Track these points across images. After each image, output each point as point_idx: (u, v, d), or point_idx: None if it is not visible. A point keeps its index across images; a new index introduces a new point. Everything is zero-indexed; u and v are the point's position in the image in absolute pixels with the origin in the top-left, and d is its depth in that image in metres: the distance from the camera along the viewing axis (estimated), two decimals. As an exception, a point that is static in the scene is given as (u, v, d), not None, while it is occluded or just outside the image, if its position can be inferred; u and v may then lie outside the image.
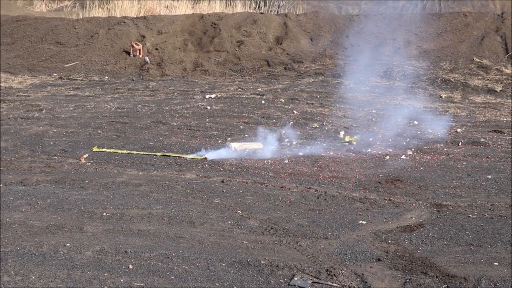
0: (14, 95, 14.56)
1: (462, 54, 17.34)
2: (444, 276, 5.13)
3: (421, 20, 19.66)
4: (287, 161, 9.02)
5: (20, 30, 20.51)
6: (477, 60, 16.85)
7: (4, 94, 14.74)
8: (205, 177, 8.13)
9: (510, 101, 13.84)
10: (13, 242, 5.71)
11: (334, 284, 5.01)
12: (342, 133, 10.55)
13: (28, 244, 5.65)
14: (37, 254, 5.46)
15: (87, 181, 7.84)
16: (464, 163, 8.92)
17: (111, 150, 9.46)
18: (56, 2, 29.97)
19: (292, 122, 11.41)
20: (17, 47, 19.65)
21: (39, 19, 21.51)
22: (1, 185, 7.69)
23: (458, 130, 10.90)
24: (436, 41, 18.47)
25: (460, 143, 10.03)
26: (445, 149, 9.71)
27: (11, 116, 12.04)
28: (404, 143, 10.05)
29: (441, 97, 14.10)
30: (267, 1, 24.58)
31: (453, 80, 15.42)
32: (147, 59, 18.19)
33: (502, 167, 8.68)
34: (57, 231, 6.09)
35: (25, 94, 14.79)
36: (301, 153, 9.43)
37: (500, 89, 14.85)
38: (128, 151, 9.41)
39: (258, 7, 24.51)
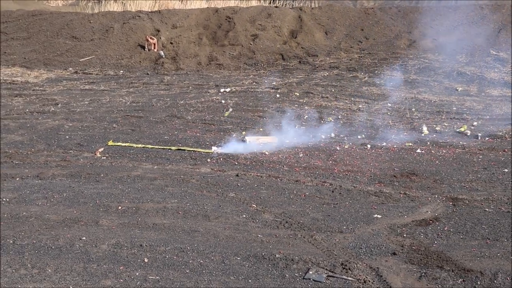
0: (30, 90, 14.64)
1: (479, 47, 17.19)
2: (460, 270, 5.11)
3: (437, 13, 19.51)
4: (301, 154, 9.00)
5: (36, 25, 20.61)
6: (494, 53, 16.70)
7: (20, 88, 14.83)
8: (219, 171, 8.13)
9: (527, 94, 13.71)
10: (29, 235, 5.76)
11: (349, 278, 5.00)
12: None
13: (45, 238, 5.69)
14: (53, 247, 5.50)
15: (102, 175, 7.87)
16: (480, 156, 8.86)
17: (126, 144, 9.49)
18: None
19: (306, 116, 11.38)
20: (33, 41, 19.75)
21: (54, 14, 21.60)
22: (17, 178, 7.75)
23: (474, 123, 10.81)
24: (452, 33, 18.32)
25: (477, 136, 9.96)
26: (461, 142, 9.64)
27: (27, 110, 12.11)
28: (420, 136, 9.99)
29: (457, 90, 13.99)
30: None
31: (469, 73, 15.28)
32: (162, 53, 18.21)
33: (518, 160, 8.61)
34: (73, 224, 6.13)
35: (41, 88, 14.87)
36: (315, 147, 9.40)
37: (517, 82, 14.71)
38: (143, 145, 9.44)
39: (273, 0, 24.44)
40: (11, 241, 5.61)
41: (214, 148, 9.17)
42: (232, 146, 9.31)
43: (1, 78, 16.31)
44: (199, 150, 9.15)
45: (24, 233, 5.83)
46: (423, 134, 10.12)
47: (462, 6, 20.39)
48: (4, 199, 6.89)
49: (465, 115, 11.47)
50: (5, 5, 25.15)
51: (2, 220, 6.23)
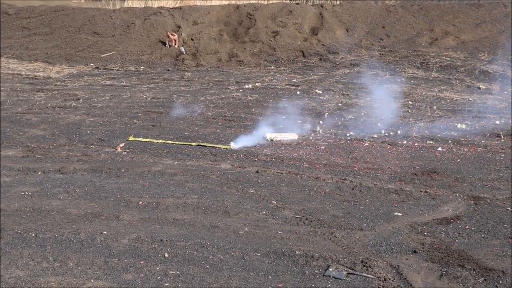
0: (52, 85, 14.77)
1: (501, 45, 17.03)
2: (482, 269, 5.07)
3: (459, 10, 19.36)
4: (322, 151, 8.99)
5: (58, 20, 20.78)
6: (518, 51, 16.53)
7: (42, 83, 14.96)
8: (240, 167, 8.14)
9: (550, 93, 13.57)
10: (51, 229, 5.81)
11: (370, 276, 4.98)
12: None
13: (66, 231, 5.73)
14: (74, 241, 5.55)
15: (123, 170, 7.92)
16: (503, 155, 8.78)
17: (147, 140, 9.54)
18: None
19: (327, 113, 11.35)
20: (55, 37, 19.92)
21: (76, 10, 21.76)
22: (39, 172, 7.82)
23: (497, 122, 10.72)
24: (475, 31, 18.18)
25: (499, 135, 9.88)
26: (482, 141, 9.56)
27: (49, 105, 12.22)
28: (441, 134, 9.93)
29: (479, 88, 13.88)
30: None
31: (491, 71, 15.15)
32: (183, 50, 18.26)
33: (541, 160, 8.52)
34: (94, 219, 6.17)
35: (62, 83, 14.99)
36: (336, 144, 9.38)
37: (540, 80, 14.56)
38: (164, 141, 9.47)
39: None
40: (33, 234, 5.66)
41: (232, 145, 9.17)
42: (252, 142, 9.31)
43: (23, 73, 16.46)
44: (219, 146, 9.17)
45: (46, 226, 5.88)
46: (444, 133, 10.06)
47: (484, 3, 20.21)
48: (26, 193, 6.95)
49: (487, 113, 11.38)
50: (27, 1, 25.37)
51: (25, 214, 6.29)
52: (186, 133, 10.03)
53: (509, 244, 5.65)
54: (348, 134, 9.97)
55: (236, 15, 19.95)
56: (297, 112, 11.40)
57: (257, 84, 14.37)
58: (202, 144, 9.29)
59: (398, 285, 4.85)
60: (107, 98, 13.05)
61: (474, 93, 13.45)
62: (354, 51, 17.79)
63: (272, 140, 9.51)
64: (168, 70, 17.01)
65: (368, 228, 6.03)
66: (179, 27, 19.25)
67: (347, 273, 5.02)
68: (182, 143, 9.38)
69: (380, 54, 17.34)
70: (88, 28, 20.02)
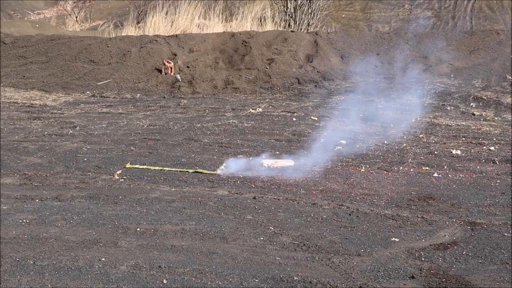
0: (48, 113, 14.81)
1: (495, 72, 17.20)
2: (479, 294, 5.09)
3: (453, 38, 19.58)
4: (318, 178, 9.03)
5: (55, 49, 20.89)
6: (510, 78, 16.70)
7: (39, 111, 15.00)
8: (237, 193, 8.17)
9: (544, 119, 13.67)
10: (49, 256, 5.81)
11: (368, 301, 5.00)
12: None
13: (64, 258, 5.74)
14: (73, 268, 5.55)
15: (120, 197, 7.94)
16: (498, 181, 8.84)
17: (144, 167, 9.56)
18: (89, 21, 30.52)
19: (323, 140, 11.41)
20: (51, 65, 20.01)
21: (72, 38, 21.90)
22: (37, 200, 7.83)
23: (492, 148, 10.80)
24: (468, 59, 18.36)
25: (494, 161, 9.94)
26: (478, 167, 9.63)
27: (46, 133, 12.25)
28: (436, 160, 9.99)
29: (473, 114, 13.99)
30: (297, 20, 24.69)
31: (485, 98, 15.29)
32: (179, 77, 18.37)
33: (536, 185, 8.57)
34: (92, 245, 6.17)
35: (59, 111, 15.04)
36: (332, 170, 9.42)
37: (534, 107, 14.69)
38: (161, 168, 9.50)
39: (289, 25, 24.64)
40: (31, 262, 5.66)
41: (222, 171, 9.23)
42: (249, 169, 9.35)
43: (20, 101, 16.51)
44: (215, 172, 9.20)
45: (44, 254, 5.88)
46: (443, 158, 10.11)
47: (477, 31, 20.44)
48: (24, 220, 6.96)
49: (482, 139, 11.46)
50: (24, 30, 25.56)
51: (23, 241, 6.29)
52: (183, 159, 10.06)
53: (506, 269, 5.67)
54: (344, 160, 10.01)
55: (232, 42, 20.11)
56: (293, 139, 11.45)
57: (252, 111, 14.44)
58: (199, 171, 9.32)
59: (396, 310, 4.86)
60: (104, 125, 13.09)
61: (468, 119, 13.56)
62: (349, 78, 17.92)
63: (269, 166, 9.54)
64: (164, 97, 17.09)
65: (365, 254, 6.05)
66: (175, 54, 19.38)
67: (346, 299, 5.03)
68: (179, 169, 9.41)
69: (375, 80, 17.47)
70: (84, 56, 20.13)
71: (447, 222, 7.04)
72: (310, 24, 24.98)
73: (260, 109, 14.66)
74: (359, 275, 5.51)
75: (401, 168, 9.57)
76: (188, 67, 18.99)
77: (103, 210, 7.35)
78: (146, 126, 12.98)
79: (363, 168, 9.59)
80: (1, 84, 18.87)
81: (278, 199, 7.89)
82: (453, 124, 12.93)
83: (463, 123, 13.14)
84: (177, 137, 11.72)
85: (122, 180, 8.91)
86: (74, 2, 34.37)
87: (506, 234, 6.62)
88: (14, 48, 21.48)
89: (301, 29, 24.30)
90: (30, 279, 5.34)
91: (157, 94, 17.55)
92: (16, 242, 6.25)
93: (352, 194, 8.17)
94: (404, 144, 11.16)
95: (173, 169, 9.42)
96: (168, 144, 11.22)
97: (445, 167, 9.61)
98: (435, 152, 10.52)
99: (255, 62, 18.86)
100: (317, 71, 18.36)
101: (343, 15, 29.52)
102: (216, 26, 24.44)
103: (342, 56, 19.29)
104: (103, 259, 5.73)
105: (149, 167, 9.56)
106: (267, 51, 19.41)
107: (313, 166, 9.65)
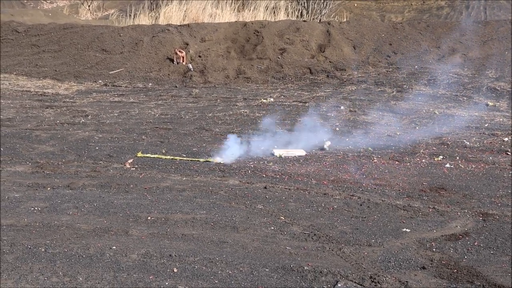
0: (60, 101, 14.86)
1: (509, 62, 17.06)
2: (491, 285, 5.07)
3: (466, 28, 19.43)
4: (329, 168, 9.00)
5: (67, 38, 20.93)
6: (524, 68, 16.56)
7: (51, 100, 15.05)
8: (248, 183, 8.16)
9: (558, 110, 13.56)
10: (61, 244, 5.83)
11: (378, 291, 4.98)
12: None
13: (76, 246, 5.76)
14: (84, 256, 5.57)
15: (132, 185, 7.95)
16: (511, 172, 8.78)
17: (155, 156, 9.58)
18: (102, 10, 30.55)
19: (335, 129, 11.37)
20: (63, 54, 20.05)
21: (85, 27, 21.92)
22: (49, 188, 7.87)
23: (505, 139, 10.73)
24: (482, 49, 18.23)
25: (507, 152, 9.88)
26: (490, 157, 9.57)
27: (58, 121, 12.29)
28: (449, 151, 9.94)
29: (487, 105, 13.89)
30: (310, 9, 24.60)
31: (499, 88, 15.17)
32: (190, 66, 18.36)
33: (550, 176, 8.51)
34: (104, 234, 6.19)
35: (71, 100, 15.08)
36: (344, 160, 9.40)
37: (548, 97, 14.57)
38: (172, 157, 9.51)
39: (301, 15, 24.55)
40: (43, 249, 5.69)
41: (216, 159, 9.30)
42: (261, 158, 9.34)
43: (33, 90, 16.57)
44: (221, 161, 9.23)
45: (55, 241, 5.90)
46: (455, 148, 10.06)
47: (491, 21, 20.28)
48: (36, 208, 6.99)
49: (495, 130, 11.38)
50: (37, 19, 25.62)
51: (34, 229, 6.32)
52: (194, 149, 10.06)
53: (518, 260, 5.64)
54: (355, 150, 9.98)
55: (244, 32, 20.06)
56: (305, 128, 11.43)
57: (264, 100, 14.42)
58: (210, 160, 9.32)
59: (407, 301, 4.85)
60: (116, 114, 13.11)
61: (481, 110, 13.46)
62: (361, 68, 17.85)
63: (281, 156, 9.53)
64: (176, 86, 17.09)
65: (376, 244, 6.03)
66: (187, 44, 19.36)
67: (356, 289, 5.02)
68: (190, 159, 9.42)
69: (387, 71, 17.39)
70: (97, 45, 20.16)
71: (458, 213, 7.01)
72: (323, 14, 24.89)
73: (272, 99, 14.63)
74: (369, 265, 5.49)
75: (413, 158, 9.53)
76: (200, 56, 18.97)
77: (114, 199, 7.37)
78: (157, 115, 12.98)
79: (375, 158, 9.55)
80: (14, 73, 18.93)
81: (289, 189, 7.88)
82: (466, 115, 12.85)
83: (476, 113, 13.05)
84: (189, 127, 11.72)
85: (133, 169, 8.93)
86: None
87: (518, 225, 6.58)
88: (27, 37, 21.54)
89: (313, 19, 24.21)
90: (41, 266, 5.36)
91: (168, 83, 17.56)
92: (28, 230, 6.28)
93: (364, 185, 8.15)
94: (416, 134, 11.10)
95: (184, 159, 9.43)
96: (179, 133, 11.22)
97: (457, 157, 9.55)
98: (448, 143, 10.46)
99: (267, 52, 18.81)
100: (329, 61, 18.29)
101: (356, 5, 29.37)
102: (228, 15, 24.37)
103: (354, 46, 19.20)
104: (114, 247, 5.75)
105: (160, 156, 9.57)
106: (279, 41, 19.35)
107: (324, 156, 9.62)
